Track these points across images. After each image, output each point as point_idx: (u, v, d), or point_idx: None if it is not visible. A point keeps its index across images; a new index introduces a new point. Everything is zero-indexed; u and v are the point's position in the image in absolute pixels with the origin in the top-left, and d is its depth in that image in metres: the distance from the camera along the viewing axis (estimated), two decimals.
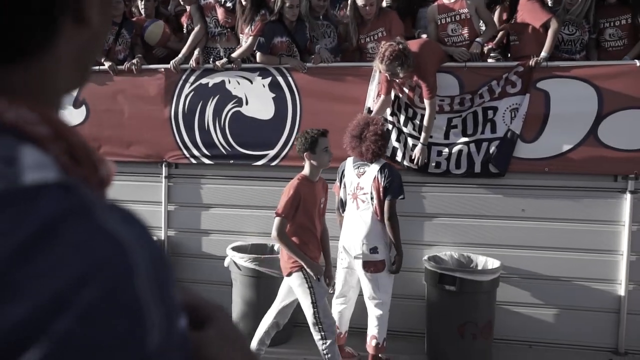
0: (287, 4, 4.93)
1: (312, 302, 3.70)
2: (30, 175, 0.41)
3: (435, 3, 5.03)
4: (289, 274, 3.78)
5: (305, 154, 3.78)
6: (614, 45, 4.88)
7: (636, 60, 4.52)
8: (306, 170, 3.83)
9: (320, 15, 5.17)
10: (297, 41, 5.08)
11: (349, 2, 5.01)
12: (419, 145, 4.67)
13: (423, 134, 4.66)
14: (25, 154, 0.43)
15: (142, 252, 0.43)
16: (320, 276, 3.75)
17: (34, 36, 0.48)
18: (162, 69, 5.26)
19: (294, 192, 3.71)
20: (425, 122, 4.62)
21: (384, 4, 5.25)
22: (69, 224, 0.40)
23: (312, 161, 3.78)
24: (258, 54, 5.04)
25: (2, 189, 0.39)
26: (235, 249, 4.76)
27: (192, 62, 5.15)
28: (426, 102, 4.57)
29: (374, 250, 4.04)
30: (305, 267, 3.70)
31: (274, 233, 3.73)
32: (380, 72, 4.59)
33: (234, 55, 5.11)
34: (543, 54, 4.59)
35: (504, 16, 5.23)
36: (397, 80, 4.58)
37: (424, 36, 5.04)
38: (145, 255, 0.43)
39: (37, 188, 0.41)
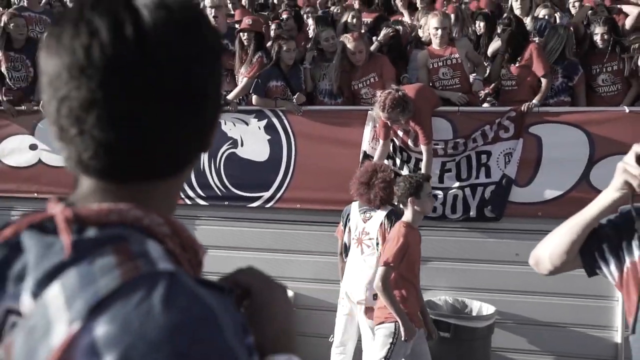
0: (284, 48, 5.03)
1: (385, 358, 3.57)
2: (160, 265, 0.63)
3: (426, 49, 5.14)
4: (381, 323, 3.64)
5: (409, 199, 3.62)
6: (608, 90, 4.95)
7: (625, 107, 4.60)
8: (409, 217, 3.66)
9: (329, 56, 5.22)
10: (291, 85, 5.15)
11: (338, 49, 5.08)
12: None
13: None
14: (151, 249, 0.65)
15: (226, 314, 0.62)
16: (410, 340, 3.59)
17: (184, 164, 0.75)
18: None
19: (404, 239, 3.53)
20: (423, 169, 4.63)
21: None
22: (179, 298, 0.60)
23: (416, 207, 3.63)
24: (254, 97, 5.10)
25: (143, 272, 0.62)
26: None
27: None
28: (423, 148, 4.60)
29: (377, 296, 3.98)
30: (400, 324, 3.54)
31: (378, 283, 3.53)
32: (376, 117, 4.65)
33: (229, 97, 5.17)
34: (535, 101, 4.68)
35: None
36: (393, 125, 4.62)
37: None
38: (229, 316, 0.62)
39: (161, 273, 0.62)
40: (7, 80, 5.79)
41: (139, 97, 0.65)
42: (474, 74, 5.08)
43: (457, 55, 4.99)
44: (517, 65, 4.96)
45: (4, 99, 5.74)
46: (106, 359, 0.56)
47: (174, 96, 0.67)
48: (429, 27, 5.03)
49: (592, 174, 4.48)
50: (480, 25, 5.51)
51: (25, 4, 6.75)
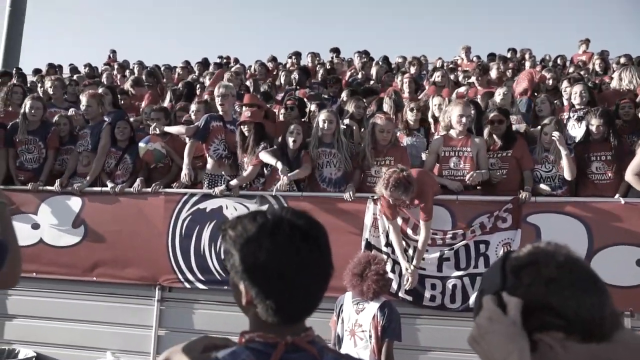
0: (290, 129, 5.20)
1: None
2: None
3: (441, 136, 5.26)
4: None
5: None
6: (601, 178, 5.04)
7: (621, 198, 4.66)
8: None
9: (329, 141, 5.29)
10: (292, 170, 5.22)
11: (369, 125, 5.23)
12: (411, 269, 4.68)
13: (415, 257, 4.67)
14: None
15: None
16: None
17: None
18: (163, 192, 5.40)
19: None
20: (419, 244, 4.65)
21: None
22: None
23: None
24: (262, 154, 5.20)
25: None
26: None
27: (185, 178, 5.37)
28: (422, 223, 4.63)
29: None
30: None
31: None
32: (379, 199, 4.71)
33: (232, 183, 5.26)
34: (527, 187, 4.81)
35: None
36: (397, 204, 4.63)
37: None
38: None
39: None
40: (23, 160, 5.96)
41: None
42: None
43: (469, 149, 5.04)
44: (506, 156, 5.13)
45: (18, 177, 5.90)
46: None
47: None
48: (451, 114, 5.11)
49: (592, 264, 4.43)
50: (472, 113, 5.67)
51: (53, 100, 7.04)
